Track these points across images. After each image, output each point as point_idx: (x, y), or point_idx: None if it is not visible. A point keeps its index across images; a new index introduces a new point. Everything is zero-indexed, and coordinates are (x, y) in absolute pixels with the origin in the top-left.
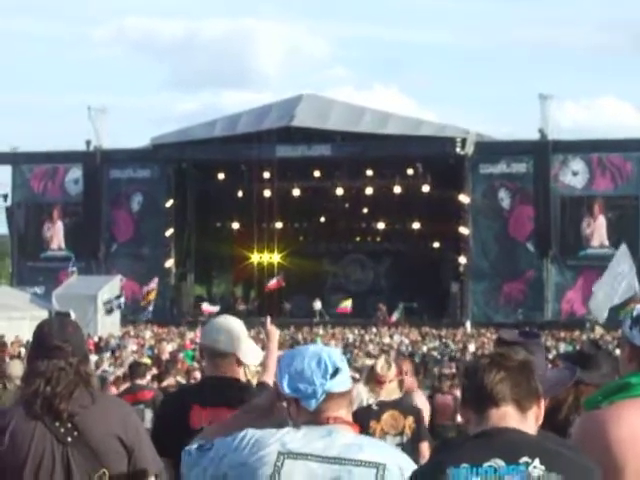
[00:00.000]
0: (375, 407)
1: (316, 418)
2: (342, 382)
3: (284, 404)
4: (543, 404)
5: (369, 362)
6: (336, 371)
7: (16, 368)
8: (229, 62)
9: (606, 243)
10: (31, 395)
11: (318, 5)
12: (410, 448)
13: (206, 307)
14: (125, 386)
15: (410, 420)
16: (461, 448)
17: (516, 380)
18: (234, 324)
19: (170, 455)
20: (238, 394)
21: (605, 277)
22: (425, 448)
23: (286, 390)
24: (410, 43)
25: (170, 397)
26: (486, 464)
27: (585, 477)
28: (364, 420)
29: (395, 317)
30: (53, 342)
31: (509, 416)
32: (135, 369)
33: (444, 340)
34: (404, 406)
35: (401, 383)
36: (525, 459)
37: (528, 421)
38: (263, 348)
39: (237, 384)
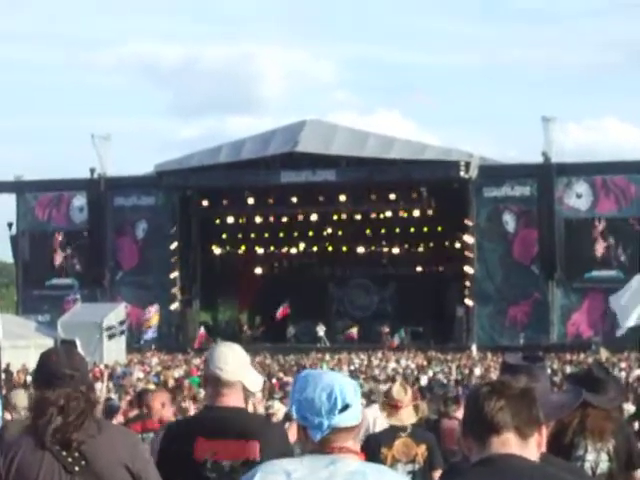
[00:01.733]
0: (387, 434)
1: (322, 447)
2: (351, 417)
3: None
4: (545, 431)
5: (384, 388)
6: (345, 407)
7: (20, 398)
8: (232, 87)
9: (611, 265)
10: (43, 425)
11: (319, 30)
12: (422, 476)
13: (197, 338)
14: (133, 414)
15: (422, 448)
16: (465, 474)
17: (517, 408)
18: (238, 352)
19: None
20: (243, 424)
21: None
22: (438, 476)
23: (294, 415)
24: (412, 66)
25: (174, 428)
26: None
27: None
28: (375, 447)
29: (397, 341)
30: (64, 370)
31: (510, 443)
32: (143, 397)
33: (448, 365)
34: (417, 433)
35: (416, 408)
36: None
37: (529, 448)
38: (268, 375)
39: (242, 413)
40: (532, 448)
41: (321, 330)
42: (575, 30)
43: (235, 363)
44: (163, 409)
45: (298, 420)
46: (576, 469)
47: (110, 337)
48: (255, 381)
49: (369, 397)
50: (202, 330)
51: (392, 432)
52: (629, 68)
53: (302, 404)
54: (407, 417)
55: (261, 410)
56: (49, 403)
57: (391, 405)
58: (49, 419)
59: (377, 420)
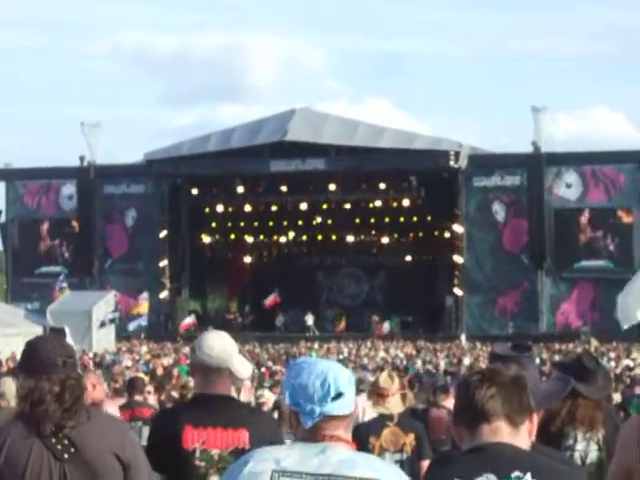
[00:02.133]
0: (375, 423)
1: (312, 435)
2: (343, 406)
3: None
4: (536, 419)
5: (371, 378)
6: (338, 395)
7: (9, 386)
8: (223, 76)
9: (600, 255)
10: (41, 413)
11: (310, 19)
12: (410, 465)
13: (184, 323)
14: (120, 401)
15: (411, 437)
16: (454, 463)
17: (507, 396)
18: (225, 339)
19: (163, 471)
20: (232, 412)
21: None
22: (426, 466)
23: (287, 401)
24: (402, 55)
25: (162, 416)
26: (478, 479)
27: None
28: (364, 436)
29: (386, 329)
30: (57, 357)
31: (501, 431)
32: (133, 384)
33: (437, 354)
34: (405, 423)
35: (404, 397)
36: (517, 473)
37: (520, 436)
38: (257, 364)
39: (231, 401)
40: (523, 436)
41: (310, 319)
42: (566, 20)
43: (221, 349)
44: (94, 391)
45: (290, 406)
46: (566, 459)
47: (101, 325)
48: (243, 368)
49: (358, 386)
50: (192, 317)
51: (380, 421)
52: (620, 58)
53: (295, 390)
54: (394, 406)
55: (250, 399)
56: (46, 391)
57: (378, 394)
58: (47, 407)
59: (366, 409)
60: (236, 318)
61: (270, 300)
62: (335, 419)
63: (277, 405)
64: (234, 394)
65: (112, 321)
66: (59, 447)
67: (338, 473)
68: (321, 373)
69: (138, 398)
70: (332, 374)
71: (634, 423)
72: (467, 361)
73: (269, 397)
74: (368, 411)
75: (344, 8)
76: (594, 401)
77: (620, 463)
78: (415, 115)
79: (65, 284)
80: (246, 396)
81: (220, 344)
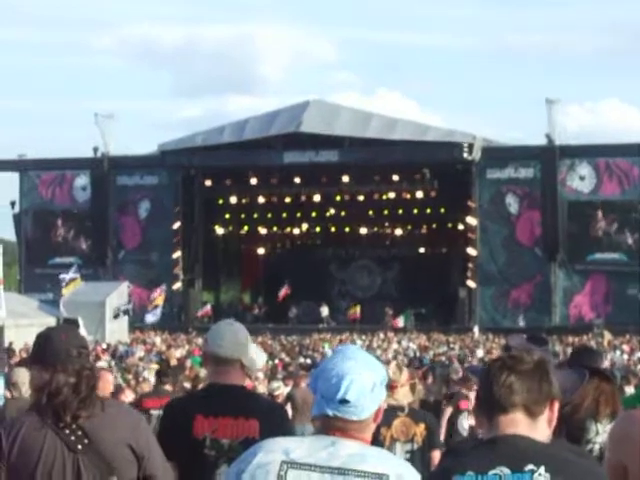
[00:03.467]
0: (385, 413)
1: (325, 429)
2: (350, 412)
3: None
4: (557, 407)
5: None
6: (344, 402)
7: (22, 376)
8: (233, 67)
9: (613, 247)
10: (59, 404)
11: (320, 10)
12: (420, 455)
13: (200, 312)
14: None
15: (421, 427)
16: (467, 455)
17: (527, 385)
18: (238, 329)
19: (173, 459)
20: (243, 402)
21: None
22: (437, 456)
23: (311, 385)
24: (415, 47)
25: (174, 405)
26: (491, 472)
27: None
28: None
29: (401, 322)
30: (72, 348)
31: (518, 422)
32: (164, 374)
33: (450, 346)
34: (415, 413)
35: (413, 387)
36: (530, 467)
37: (539, 427)
38: (270, 355)
39: (242, 391)
40: (542, 427)
41: (325, 311)
42: (578, 12)
43: (233, 340)
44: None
45: (310, 387)
46: (583, 452)
47: (115, 317)
48: (255, 359)
49: None
50: (208, 306)
51: (390, 412)
52: (631, 50)
53: (317, 378)
54: (403, 396)
55: (263, 390)
56: (63, 382)
57: (387, 385)
58: (65, 398)
59: None
60: (252, 309)
61: (281, 293)
62: (343, 420)
63: (290, 397)
64: (249, 384)
65: (126, 312)
66: (73, 438)
67: (347, 467)
68: (342, 372)
69: (168, 387)
70: (349, 379)
71: (625, 418)
72: (480, 353)
73: (282, 389)
74: None
75: (355, 0)
76: (614, 388)
77: (611, 459)
78: (427, 107)
79: (77, 275)
80: (256, 388)
81: (231, 335)
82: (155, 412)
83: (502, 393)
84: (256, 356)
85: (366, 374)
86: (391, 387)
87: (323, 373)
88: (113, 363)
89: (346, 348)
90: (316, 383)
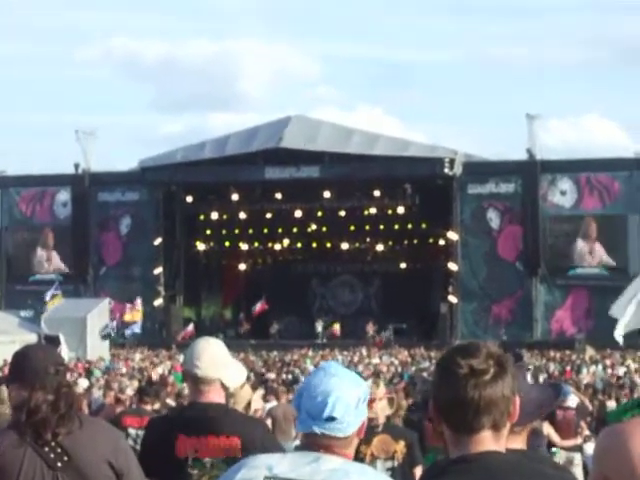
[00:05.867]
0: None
1: (308, 445)
2: (336, 429)
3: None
4: (518, 403)
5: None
6: (331, 419)
7: (2, 393)
8: (216, 83)
9: (595, 262)
10: (39, 422)
11: (301, 26)
12: (401, 472)
13: (182, 333)
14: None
15: (401, 445)
16: (444, 476)
17: (492, 399)
18: (215, 348)
19: (156, 479)
20: (224, 421)
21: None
22: (419, 473)
23: (294, 403)
24: (394, 62)
25: (155, 424)
26: None
27: None
28: None
29: (384, 339)
30: (50, 366)
31: (485, 440)
32: (145, 392)
33: (432, 361)
34: (395, 430)
35: (391, 401)
36: None
37: (503, 433)
38: (252, 371)
39: (222, 409)
40: (506, 432)
41: (319, 326)
42: (559, 27)
43: (211, 360)
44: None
45: (294, 405)
46: (554, 462)
47: (105, 337)
48: (234, 377)
49: None
50: (191, 326)
51: (370, 429)
52: (612, 65)
53: (301, 395)
54: (381, 410)
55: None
56: (42, 400)
57: None
58: (44, 416)
59: None
60: (234, 325)
61: (258, 307)
62: (328, 437)
63: (271, 413)
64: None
65: (109, 335)
66: (52, 455)
67: None
68: (326, 391)
69: (147, 407)
70: (334, 396)
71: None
72: None
73: (262, 405)
74: None
75: (335, 16)
76: None
77: (595, 473)
78: (408, 123)
79: (58, 291)
80: (258, 403)
81: (209, 355)
82: (133, 431)
83: (470, 416)
84: (233, 376)
85: (350, 390)
86: (369, 401)
87: (307, 390)
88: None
89: (328, 365)
90: (300, 400)
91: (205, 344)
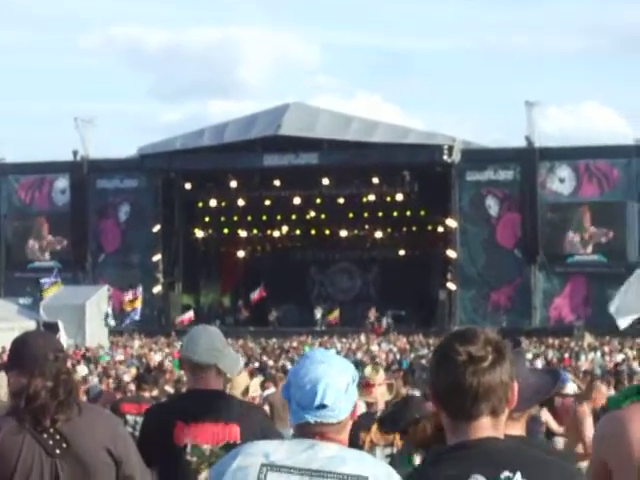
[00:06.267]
0: (364, 418)
1: (303, 433)
2: (328, 416)
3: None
4: (516, 389)
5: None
6: (322, 406)
7: (1, 379)
8: (215, 71)
9: (593, 249)
10: (38, 409)
11: (301, 13)
12: (400, 459)
13: (181, 318)
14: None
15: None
16: (441, 465)
17: (491, 386)
18: (212, 334)
19: (155, 466)
20: (222, 407)
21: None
22: (419, 460)
23: (283, 394)
24: (393, 50)
25: (154, 411)
26: None
27: None
28: (354, 431)
29: (384, 326)
30: (50, 353)
31: (485, 426)
32: (143, 379)
33: (430, 348)
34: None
35: (390, 387)
36: (506, 474)
37: (502, 419)
38: (249, 359)
39: (220, 397)
40: (504, 418)
41: (318, 313)
42: (558, 14)
43: (207, 346)
44: None
45: (283, 396)
46: (554, 449)
47: (108, 325)
48: (230, 364)
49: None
50: (191, 313)
51: (369, 416)
52: (611, 53)
53: (290, 386)
54: (380, 395)
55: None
56: (41, 387)
57: (363, 384)
58: (43, 402)
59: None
60: (232, 312)
61: (256, 294)
62: (321, 424)
63: (268, 400)
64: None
65: (112, 326)
66: (51, 442)
67: (327, 469)
68: (314, 379)
69: (145, 394)
70: (324, 383)
71: (609, 418)
72: None
73: (259, 392)
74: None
75: (335, 3)
76: None
77: (595, 459)
78: (407, 110)
79: (57, 279)
80: (255, 390)
81: (206, 340)
82: (131, 417)
83: (468, 402)
84: (230, 361)
85: (339, 376)
86: (368, 386)
87: (295, 380)
88: (93, 368)
89: (313, 353)
90: (289, 391)
91: (201, 330)
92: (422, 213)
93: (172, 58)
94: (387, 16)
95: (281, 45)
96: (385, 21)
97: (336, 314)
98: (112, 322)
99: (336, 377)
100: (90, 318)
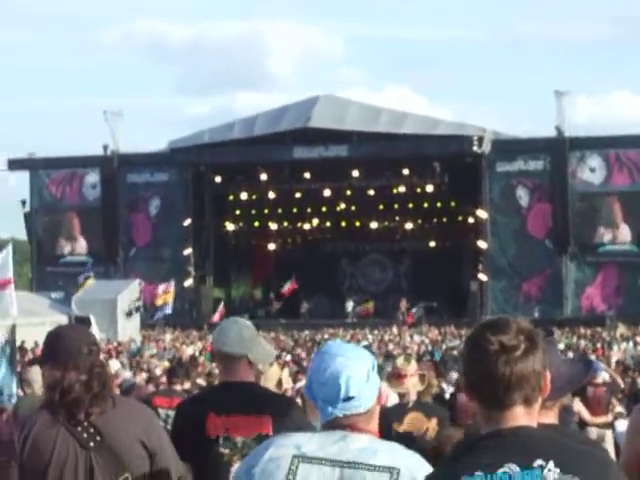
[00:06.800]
0: (397, 409)
1: (333, 425)
2: (355, 407)
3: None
4: (548, 378)
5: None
6: (348, 399)
7: (35, 374)
8: (242, 64)
9: (624, 239)
10: (72, 402)
11: (329, 6)
12: None
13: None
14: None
15: (433, 422)
16: (474, 453)
17: (524, 375)
18: (242, 325)
19: (187, 459)
20: (254, 399)
21: None
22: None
23: (305, 391)
24: (423, 41)
25: (186, 404)
26: (500, 471)
27: (601, 473)
28: (386, 422)
29: (414, 316)
30: (84, 346)
31: (518, 415)
32: (174, 373)
33: (462, 339)
34: (427, 407)
35: (422, 377)
36: (539, 462)
37: (535, 408)
38: (281, 351)
39: (252, 388)
40: (537, 407)
41: (349, 305)
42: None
43: (238, 337)
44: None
45: (307, 395)
46: (587, 439)
47: (128, 315)
48: (262, 355)
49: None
50: (222, 308)
51: (401, 407)
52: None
53: (312, 384)
54: (412, 386)
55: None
56: (75, 380)
57: (395, 375)
58: (77, 395)
59: (389, 396)
60: (264, 305)
61: (287, 287)
62: (350, 416)
63: (300, 392)
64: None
65: (138, 309)
66: (85, 435)
67: (358, 460)
68: (335, 372)
69: (177, 387)
70: (345, 375)
71: None
72: None
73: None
74: (391, 397)
75: None
76: None
77: (629, 447)
78: (436, 101)
79: (90, 273)
80: (287, 382)
81: (236, 332)
82: (163, 411)
83: (501, 392)
84: (261, 352)
85: (358, 365)
86: (399, 376)
87: (317, 378)
88: (125, 361)
89: (329, 347)
90: (311, 389)
91: (232, 322)
92: (452, 204)
93: (197, 52)
94: (416, 8)
95: (309, 37)
96: (413, 13)
97: (370, 305)
98: (136, 310)
99: (356, 367)
100: (122, 312)
